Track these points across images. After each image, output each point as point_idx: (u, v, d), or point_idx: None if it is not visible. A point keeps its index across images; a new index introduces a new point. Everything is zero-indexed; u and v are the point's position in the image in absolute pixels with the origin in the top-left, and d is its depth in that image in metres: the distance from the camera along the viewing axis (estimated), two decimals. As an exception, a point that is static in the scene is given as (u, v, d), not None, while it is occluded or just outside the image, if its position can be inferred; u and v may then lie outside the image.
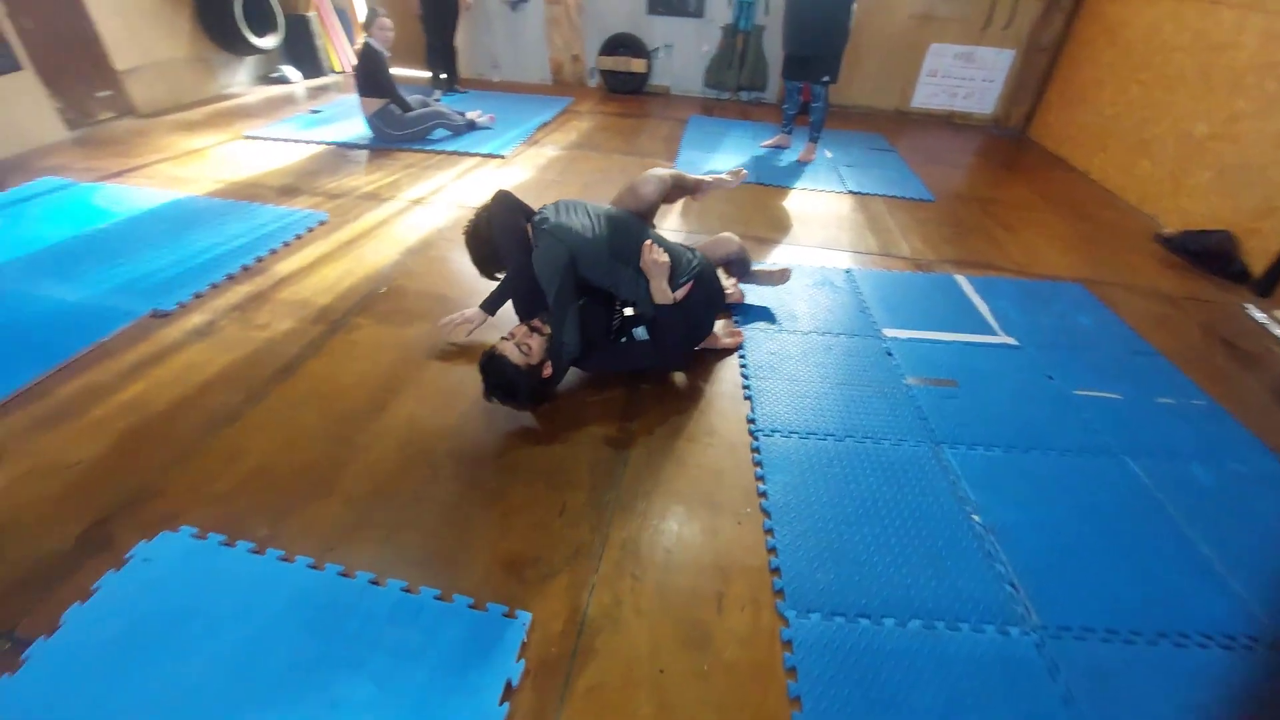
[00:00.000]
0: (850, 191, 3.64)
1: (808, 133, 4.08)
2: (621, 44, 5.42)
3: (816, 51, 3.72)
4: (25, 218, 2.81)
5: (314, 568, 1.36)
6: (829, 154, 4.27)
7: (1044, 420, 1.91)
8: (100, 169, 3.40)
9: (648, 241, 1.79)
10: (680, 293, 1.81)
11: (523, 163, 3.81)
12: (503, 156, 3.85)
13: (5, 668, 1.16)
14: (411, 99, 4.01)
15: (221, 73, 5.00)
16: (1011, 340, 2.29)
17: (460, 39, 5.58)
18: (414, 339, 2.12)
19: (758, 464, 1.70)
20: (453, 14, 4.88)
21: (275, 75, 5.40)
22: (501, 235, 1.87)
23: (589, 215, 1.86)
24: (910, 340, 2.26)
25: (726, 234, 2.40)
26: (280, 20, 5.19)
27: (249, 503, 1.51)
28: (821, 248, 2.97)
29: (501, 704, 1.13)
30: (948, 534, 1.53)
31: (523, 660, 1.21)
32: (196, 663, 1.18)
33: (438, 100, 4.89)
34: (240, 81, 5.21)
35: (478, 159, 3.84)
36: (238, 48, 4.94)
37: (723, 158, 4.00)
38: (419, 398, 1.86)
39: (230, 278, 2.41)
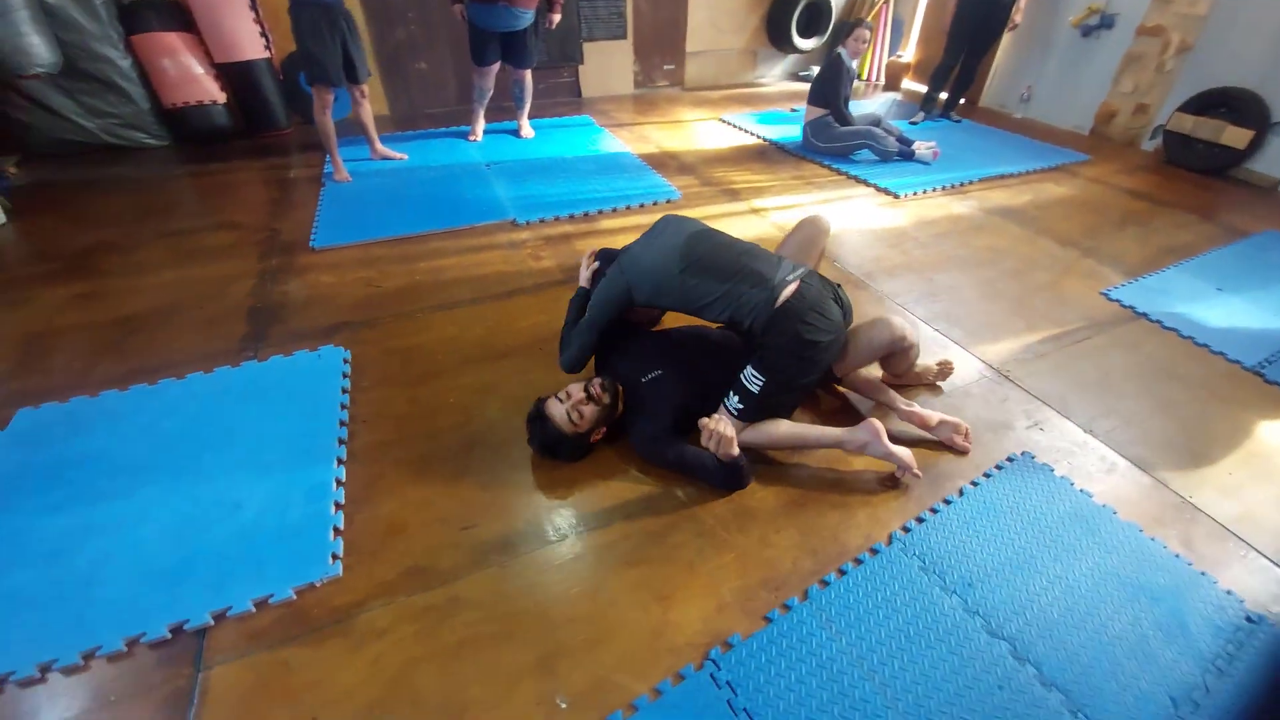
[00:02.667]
0: None
1: None
2: (1223, 103, 3.61)
3: None
4: (549, 139, 4.12)
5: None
6: None
7: None
8: (617, 119, 4.60)
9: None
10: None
11: (910, 209, 3.19)
12: (896, 196, 3.31)
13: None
14: (858, 115, 3.80)
15: (762, 65, 5.79)
16: None
17: (998, 62, 4.82)
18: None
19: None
20: (990, 35, 4.20)
21: (804, 74, 5.90)
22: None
23: (675, 235, 1.66)
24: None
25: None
26: (830, 26, 5.56)
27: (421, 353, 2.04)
28: None
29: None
30: None
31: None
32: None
33: (920, 119, 4.47)
34: (774, 74, 5.92)
35: (871, 190, 3.41)
36: (784, 46, 5.59)
37: (1260, 310, 2.37)
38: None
39: (571, 217, 3.02)
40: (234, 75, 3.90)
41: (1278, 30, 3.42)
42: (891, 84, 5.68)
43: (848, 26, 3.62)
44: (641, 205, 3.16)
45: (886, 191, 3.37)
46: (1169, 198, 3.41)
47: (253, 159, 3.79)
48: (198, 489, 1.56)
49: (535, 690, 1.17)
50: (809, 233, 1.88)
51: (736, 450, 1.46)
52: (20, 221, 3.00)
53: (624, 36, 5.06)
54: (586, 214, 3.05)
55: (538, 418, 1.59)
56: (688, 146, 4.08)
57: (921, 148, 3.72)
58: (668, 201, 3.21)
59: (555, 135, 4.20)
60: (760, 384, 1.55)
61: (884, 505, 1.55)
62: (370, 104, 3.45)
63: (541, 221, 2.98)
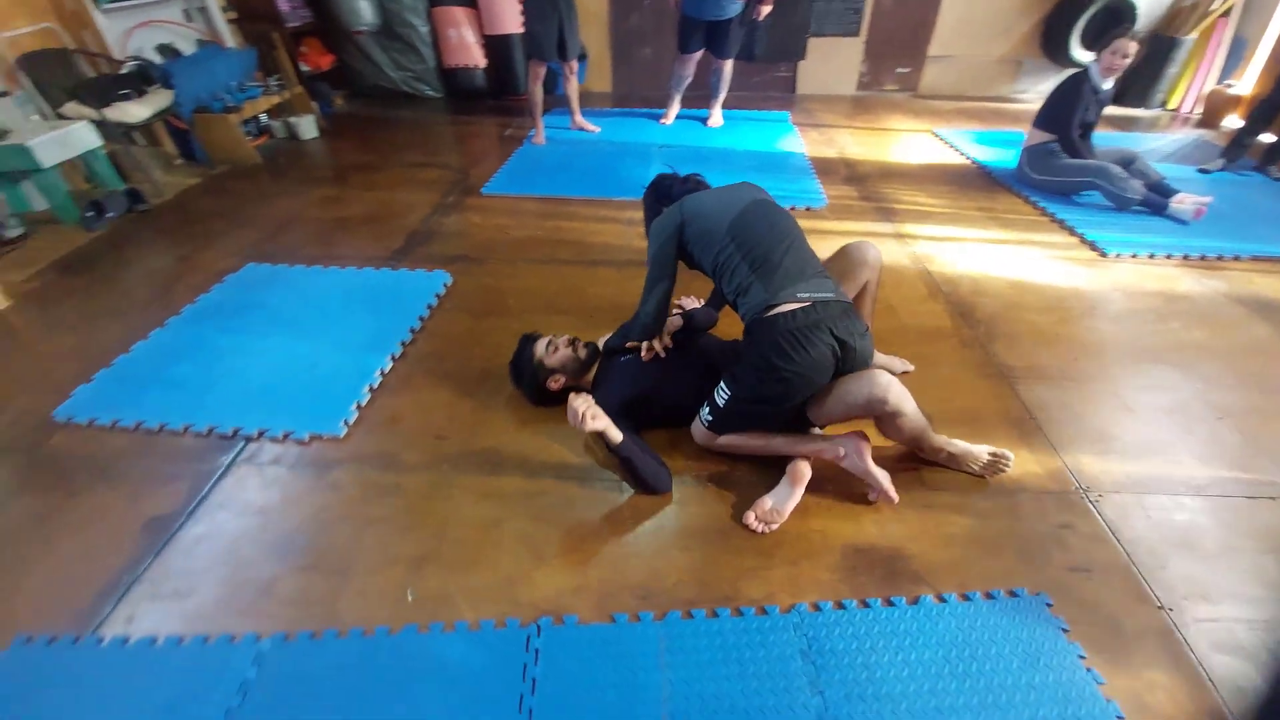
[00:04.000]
0: None
1: None
2: None
3: None
4: (733, 131, 4.13)
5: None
6: None
7: None
8: (819, 120, 4.38)
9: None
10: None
11: (1115, 272, 2.48)
12: (1103, 253, 2.59)
13: (383, 271, 2.52)
14: (1106, 149, 3.04)
15: (1026, 78, 4.88)
16: None
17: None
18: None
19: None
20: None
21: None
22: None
23: (740, 199, 1.64)
24: None
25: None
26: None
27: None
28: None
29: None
30: None
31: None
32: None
33: (1217, 167, 3.43)
34: (1039, 90, 4.94)
35: (1073, 240, 2.73)
36: (1060, 58, 4.63)
37: None
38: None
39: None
40: (494, 46, 4.70)
41: None
42: (1210, 119, 4.33)
43: (1109, 36, 2.88)
44: (777, 208, 3.03)
45: (1091, 245, 2.66)
46: None
47: (490, 116, 4.55)
48: (301, 346, 2.07)
49: (401, 577, 1.36)
50: (843, 265, 1.68)
51: (590, 428, 1.40)
52: (325, 139, 4.11)
53: (856, 34, 4.73)
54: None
55: (524, 341, 1.78)
56: (874, 157, 3.72)
57: (1184, 200, 2.84)
58: (807, 209, 3.02)
59: (742, 128, 4.19)
60: (726, 396, 1.51)
61: (809, 574, 1.36)
62: (594, 81, 3.84)
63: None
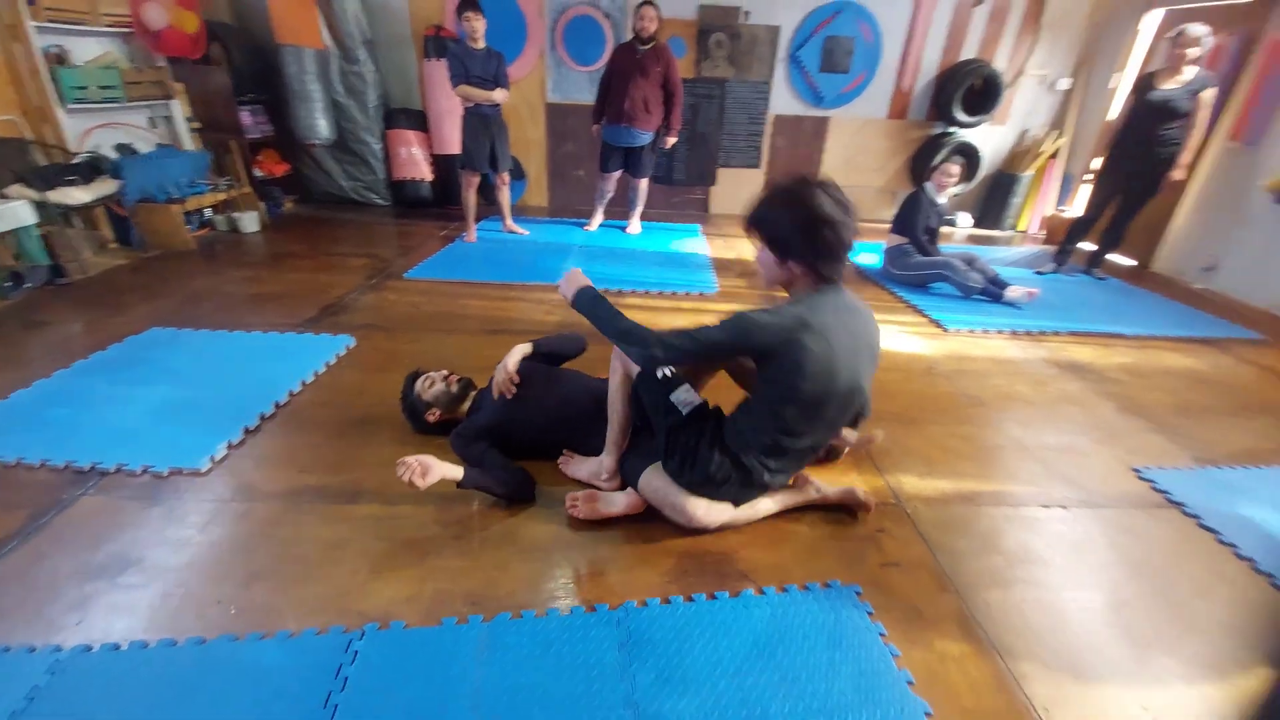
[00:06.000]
0: None
1: None
2: None
3: None
4: (647, 236, 4.62)
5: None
6: None
7: None
8: (724, 231, 4.95)
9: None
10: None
11: (951, 344, 2.85)
12: (943, 329, 2.97)
13: (290, 335, 2.63)
14: (953, 253, 3.58)
15: (898, 204, 5.69)
16: None
17: (1178, 223, 4.16)
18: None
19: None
20: (1144, 190, 3.67)
21: (949, 218, 5.65)
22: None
23: (859, 356, 1.41)
24: None
25: None
26: (976, 175, 5.35)
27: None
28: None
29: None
30: None
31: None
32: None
33: (1048, 270, 4.02)
34: (916, 215, 5.77)
35: (921, 319, 3.13)
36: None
37: None
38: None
39: (605, 291, 3.33)
40: (442, 163, 5.22)
41: None
42: (1051, 238, 5.12)
43: (938, 161, 3.53)
44: (674, 294, 3.36)
45: (936, 323, 3.06)
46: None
47: (431, 220, 4.93)
48: (185, 394, 2.11)
49: (228, 593, 1.34)
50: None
51: (423, 487, 1.40)
52: (266, 233, 4.35)
53: (758, 166, 5.52)
54: (620, 291, 3.35)
55: (408, 379, 1.92)
56: (767, 258, 4.21)
57: (1016, 290, 3.32)
58: (700, 294, 3.36)
59: (656, 234, 4.68)
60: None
61: (643, 578, 1.42)
62: (533, 197, 4.28)
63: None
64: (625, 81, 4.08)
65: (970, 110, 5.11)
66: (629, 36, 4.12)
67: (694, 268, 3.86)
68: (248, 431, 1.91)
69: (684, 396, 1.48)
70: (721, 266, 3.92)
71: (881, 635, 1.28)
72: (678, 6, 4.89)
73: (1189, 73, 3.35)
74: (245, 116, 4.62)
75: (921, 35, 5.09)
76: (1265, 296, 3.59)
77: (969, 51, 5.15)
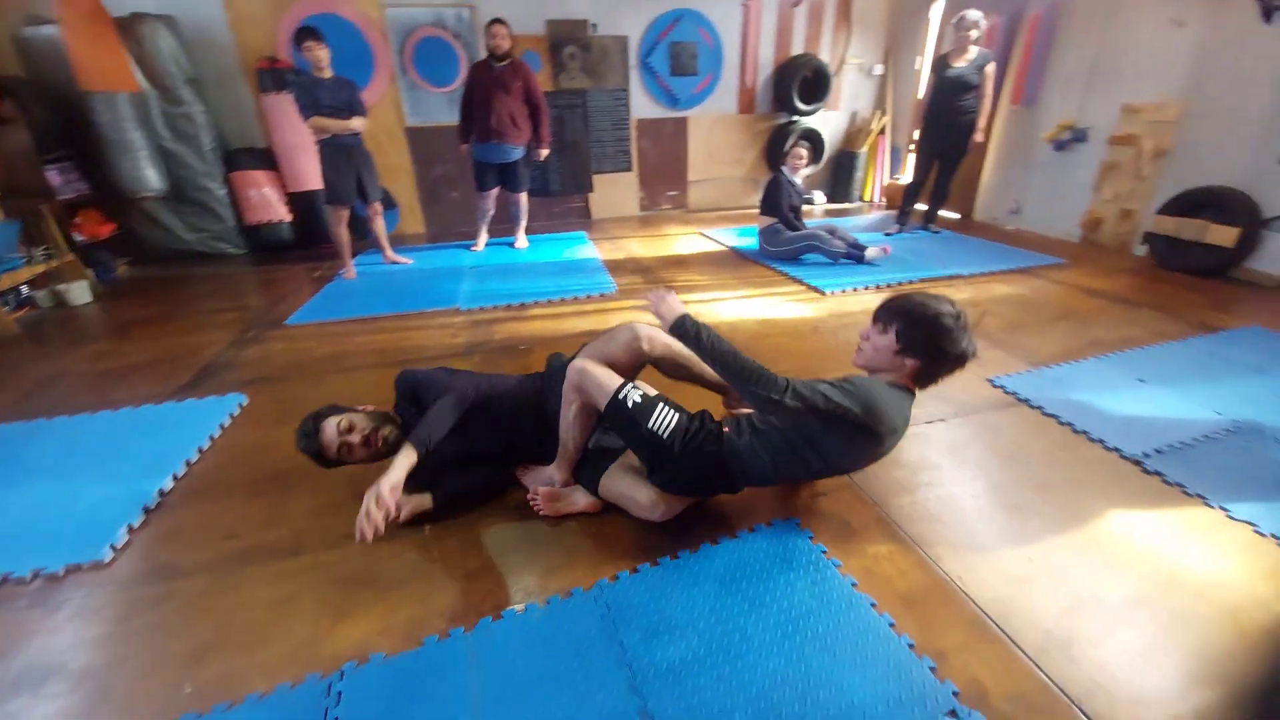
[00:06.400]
0: None
1: None
2: (1208, 203, 3.40)
3: None
4: (537, 249, 4.66)
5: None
6: None
7: None
8: (610, 234, 5.12)
9: None
10: None
11: (830, 304, 3.22)
12: (822, 292, 3.35)
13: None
14: (817, 226, 3.99)
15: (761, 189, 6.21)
16: None
17: (985, 178, 4.90)
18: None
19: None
20: (955, 152, 4.32)
21: (807, 196, 6.25)
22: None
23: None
24: None
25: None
26: (823, 156, 5.98)
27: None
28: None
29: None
30: None
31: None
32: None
33: (894, 231, 4.58)
34: (777, 197, 6.32)
35: (801, 287, 3.49)
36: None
37: (1182, 401, 2.11)
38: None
39: (508, 306, 3.35)
40: (299, 201, 4.90)
41: (1259, 127, 3.26)
42: (892, 204, 5.85)
43: (788, 147, 3.93)
44: (575, 298, 3.45)
45: (814, 289, 3.43)
46: (1138, 297, 3.15)
47: (298, 263, 4.61)
48: (60, 488, 1.86)
49: (175, 675, 1.24)
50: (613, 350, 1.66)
51: (403, 520, 1.52)
52: (102, 303, 3.85)
53: (630, 169, 5.76)
54: (523, 304, 3.38)
55: (313, 429, 1.59)
56: (655, 253, 4.43)
57: (873, 251, 3.79)
58: (600, 295, 3.48)
59: (545, 246, 4.74)
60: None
61: (609, 558, 1.50)
62: (407, 225, 4.14)
63: (480, 309, 3.34)
64: (487, 99, 4.11)
65: (806, 99, 5.69)
66: (483, 55, 4.15)
67: (589, 272, 3.97)
68: (149, 511, 1.74)
69: (663, 420, 1.47)
70: (614, 267, 4.06)
71: (823, 553, 1.47)
72: (526, 22, 4.98)
73: (973, 51, 4.01)
74: (54, 176, 4.07)
75: (755, 35, 5.59)
76: (1059, 227, 4.38)
77: (797, 47, 5.74)
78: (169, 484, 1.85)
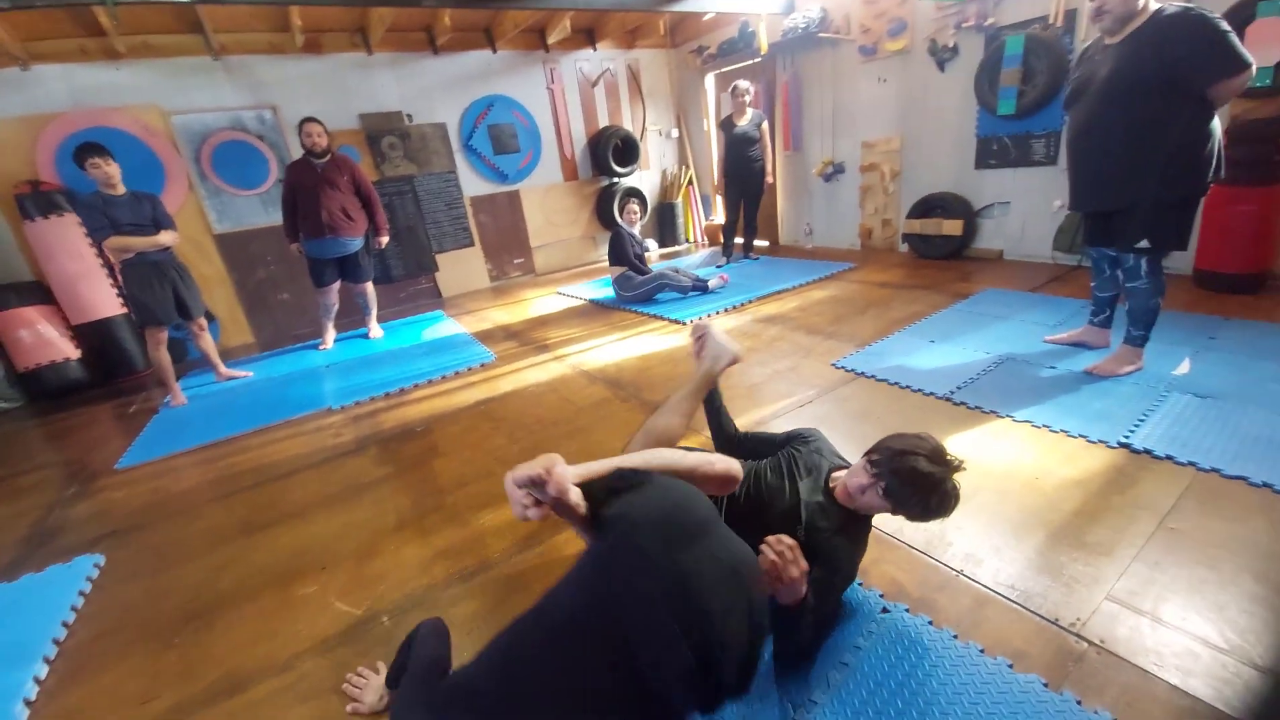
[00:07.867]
0: (1173, 459, 1.87)
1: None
2: (937, 205, 4.50)
3: (1117, 201, 2.24)
4: (394, 335, 4.55)
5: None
6: (1185, 368, 2.35)
7: None
8: (467, 308, 5.16)
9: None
10: None
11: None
12: (682, 323, 3.79)
13: None
14: (658, 268, 4.46)
15: (601, 245, 6.73)
16: None
17: (781, 210, 5.84)
18: (389, 492, 2.39)
19: None
20: (753, 193, 5.15)
21: (645, 244, 6.88)
22: None
23: None
24: None
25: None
26: (647, 209, 6.68)
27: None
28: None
29: None
30: None
31: None
32: None
33: (723, 264, 5.23)
34: (615, 250, 6.87)
35: (664, 322, 3.90)
36: (611, 226, 6.57)
37: (962, 350, 2.78)
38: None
39: (386, 395, 3.27)
40: (89, 333, 4.24)
41: (952, 145, 4.41)
42: (714, 241, 6.69)
43: (620, 202, 4.42)
44: (456, 373, 3.46)
45: (674, 321, 3.86)
46: (911, 282, 4.05)
47: (100, 403, 3.96)
48: None
49: None
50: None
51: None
52: None
53: (472, 244, 5.89)
54: (402, 389, 3.31)
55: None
56: (519, 318, 4.59)
57: (714, 281, 4.35)
58: (481, 365, 3.54)
59: (402, 331, 4.64)
60: None
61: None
62: (232, 337, 3.78)
63: (356, 404, 3.20)
64: (314, 196, 4.02)
65: (621, 163, 6.35)
66: (296, 154, 4.07)
67: (460, 346, 3.99)
68: (31, 704, 1.45)
69: None
70: (484, 337, 4.13)
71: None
72: (339, 118, 4.99)
73: (750, 113, 4.89)
74: None
75: (564, 113, 6.16)
76: (844, 240, 5.40)
77: (604, 119, 6.42)
78: (42, 671, 1.55)
